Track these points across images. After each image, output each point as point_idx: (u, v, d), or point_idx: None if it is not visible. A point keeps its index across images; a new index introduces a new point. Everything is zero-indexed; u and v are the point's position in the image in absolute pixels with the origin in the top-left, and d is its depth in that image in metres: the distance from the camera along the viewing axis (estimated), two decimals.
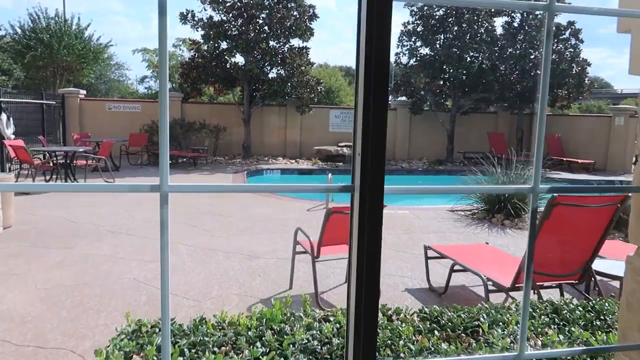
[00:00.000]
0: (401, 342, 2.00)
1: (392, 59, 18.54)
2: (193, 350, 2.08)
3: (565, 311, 2.33)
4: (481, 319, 2.17)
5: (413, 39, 17.27)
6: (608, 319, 2.22)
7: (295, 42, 16.38)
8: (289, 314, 2.46)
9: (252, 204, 9.24)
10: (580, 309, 2.35)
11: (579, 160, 16.14)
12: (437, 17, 16.81)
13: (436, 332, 2.10)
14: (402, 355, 1.92)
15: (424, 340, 2.04)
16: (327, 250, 4.53)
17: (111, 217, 7.66)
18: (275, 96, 16.38)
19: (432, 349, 1.93)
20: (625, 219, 4.76)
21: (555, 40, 17.44)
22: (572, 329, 2.09)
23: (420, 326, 2.15)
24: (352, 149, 1.03)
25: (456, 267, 4.66)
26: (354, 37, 0.97)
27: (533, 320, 2.20)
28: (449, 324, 2.16)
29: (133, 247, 6.03)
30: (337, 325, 2.31)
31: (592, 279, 3.98)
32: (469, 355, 1.92)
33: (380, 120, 0.94)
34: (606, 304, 2.47)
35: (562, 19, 18.01)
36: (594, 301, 2.47)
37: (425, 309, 2.29)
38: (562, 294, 4.11)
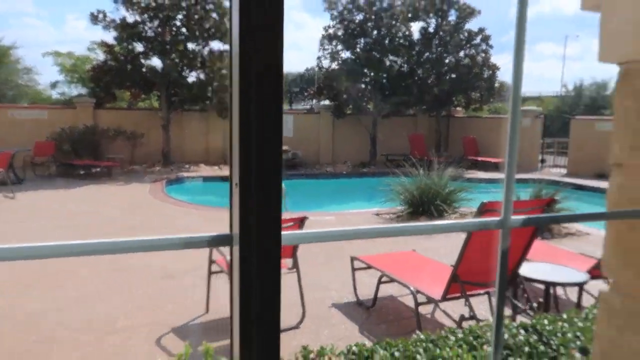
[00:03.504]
0: None
1: (314, 62, 18.45)
2: None
3: (507, 336, 2.13)
4: (418, 357, 1.92)
5: (334, 43, 17.26)
6: (552, 342, 2.06)
7: (215, 44, 15.80)
8: None
9: (170, 215, 8.62)
10: (522, 331, 2.16)
11: (492, 160, 16.82)
12: (356, 21, 16.89)
13: None
14: None
15: None
16: None
17: None
18: (195, 101, 15.67)
19: None
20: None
21: (468, 46, 18.14)
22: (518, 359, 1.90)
23: None
24: (229, 177, 0.71)
25: (384, 279, 4.45)
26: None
27: (475, 352, 1.98)
28: None
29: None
30: None
31: (521, 285, 3.92)
32: None
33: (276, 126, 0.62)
34: (546, 322, 2.32)
35: (473, 25, 18.74)
36: (533, 319, 2.31)
37: (354, 347, 2.00)
38: (490, 302, 4.01)
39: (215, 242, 0.71)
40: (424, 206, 8.11)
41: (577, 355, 1.97)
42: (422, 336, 2.25)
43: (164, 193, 11.10)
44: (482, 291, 3.98)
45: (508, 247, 1.02)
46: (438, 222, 1.04)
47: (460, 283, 3.63)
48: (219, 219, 8.37)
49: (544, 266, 4.17)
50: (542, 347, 2.04)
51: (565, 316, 2.71)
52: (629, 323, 1.11)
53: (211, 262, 4.39)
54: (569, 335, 2.35)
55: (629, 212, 1.06)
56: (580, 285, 4.01)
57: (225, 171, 15.09)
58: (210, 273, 4.40)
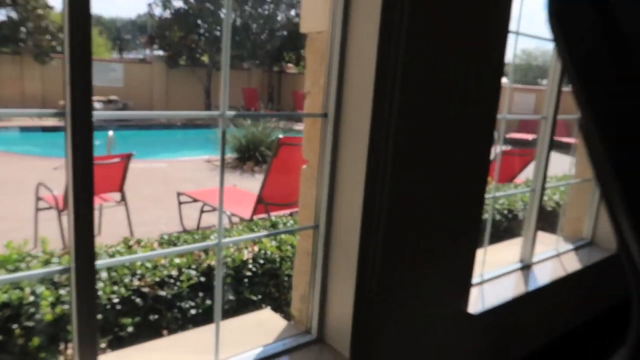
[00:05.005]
0: (138, 263, 2.35)
1: (145, 9, 17.71)
2: None
3: (280, 225, 3.02)
4: (211, 237, 2.69)
5: None
6: None
7: None
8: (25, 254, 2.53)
9: None
10: (292, 221, 3.08)
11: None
12: None
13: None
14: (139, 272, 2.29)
15: (158, 259, 2.43)
16: None
17: None
18: (6, 42, 14.14)
19: (167, 264, 2.35)
20: None
21: (299, 4, 19.11)
22: (283, 236, 2.77)
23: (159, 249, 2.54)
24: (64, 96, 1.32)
25: (206, 208, 5.18)
26: None
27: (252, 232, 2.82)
28: (185, 243, 2.61)
29: None
30: None
31: None
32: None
33: (86, 50, 1.25)
34: None
35: None
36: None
37: (165, 236, 2.68)
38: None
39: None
40: (250, 152, 8.94)
41: None
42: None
43: None
44: (283, 212, 4.94)
45: (226, 131, 1.77)
46: (185, 112, 1.76)
47: (264, 204, 4.52)
48: (41, 167, 8.17)
49: None
50: None
51: None
52: (311, 183, 2.01)
53: (38, 199, 4.63)
54: None
55: (304, 114, 1.94)
56: None
57: (45, 121, 14.10)
58: (37, 210, 4.65)
